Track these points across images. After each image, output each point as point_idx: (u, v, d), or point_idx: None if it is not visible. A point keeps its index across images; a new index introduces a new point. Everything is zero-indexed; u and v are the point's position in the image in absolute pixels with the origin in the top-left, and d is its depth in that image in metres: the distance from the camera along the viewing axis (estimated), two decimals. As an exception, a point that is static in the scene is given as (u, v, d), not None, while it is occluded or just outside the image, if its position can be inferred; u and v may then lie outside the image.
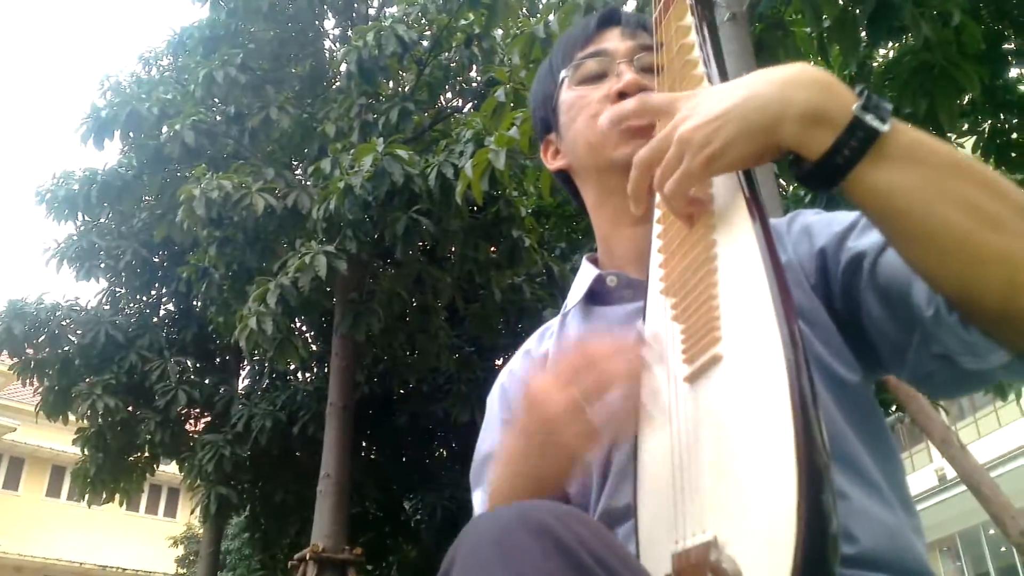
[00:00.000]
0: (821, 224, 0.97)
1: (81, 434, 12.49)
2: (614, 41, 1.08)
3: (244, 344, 7.89)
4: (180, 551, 23.26)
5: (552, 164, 1.18)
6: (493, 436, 1.13)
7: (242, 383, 13.24)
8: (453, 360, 10.12)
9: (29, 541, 27.37)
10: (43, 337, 12.46)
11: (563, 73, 1.11)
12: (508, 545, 0.62)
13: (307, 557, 8.25)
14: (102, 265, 12.92)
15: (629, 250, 1.06)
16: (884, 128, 0.69)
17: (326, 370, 10.79)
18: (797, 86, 0.71)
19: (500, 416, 1.15)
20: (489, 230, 8.45)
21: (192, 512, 16.20)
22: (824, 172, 0.72)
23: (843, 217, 0.95)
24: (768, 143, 0.73)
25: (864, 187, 0.71)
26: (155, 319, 13.54)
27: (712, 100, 0.75)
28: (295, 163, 11.28)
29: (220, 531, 13.63)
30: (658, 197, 0.90)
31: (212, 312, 10.67)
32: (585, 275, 1.12)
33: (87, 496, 13.25)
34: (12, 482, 28.90)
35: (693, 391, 0.75)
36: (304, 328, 11.26)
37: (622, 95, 1.01)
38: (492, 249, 8.69)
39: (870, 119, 0.69)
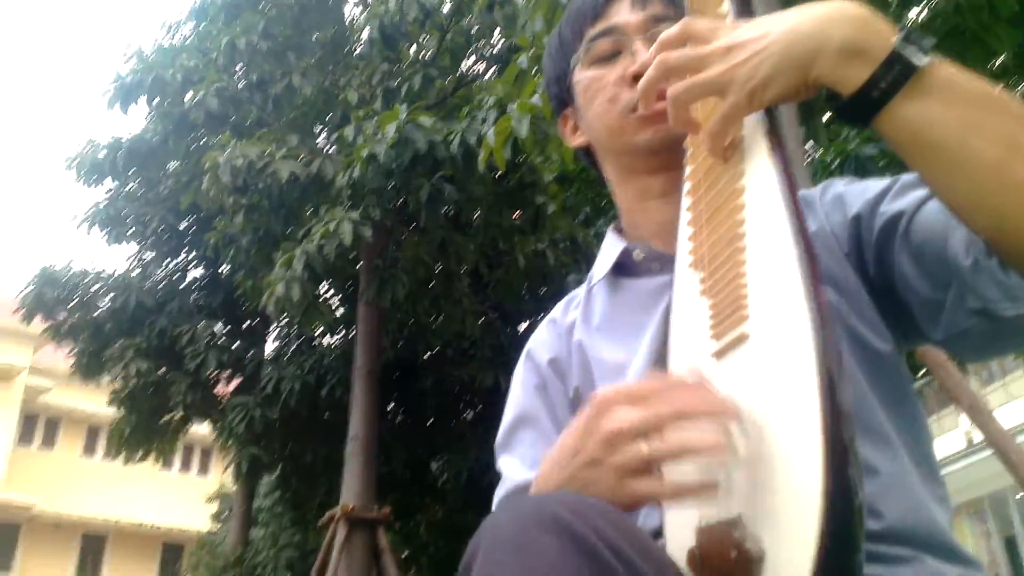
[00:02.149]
0: (854, 192, 0.96)
1: (115, 396, 12.78)
2: (624, 14, 1.05)
3: (271, 309, 7.99)
4: (214, 508, 23.76)
5: (572, 140, 1.17)
6: (522, 400, 1.13)
7: (270, 346, 13.42)
8: (477, 325, 10.19)
9: (66, 499, 28.12)
10: (74, 302, 12.70)
11: (575, 56, 1.09)
12: (525, 543, 0.62)
13: (337, 516, 8.43)
14: (130, 231, 13.11)
15: (655, 223, 1.05)
16: (923, 62, 0.69)
17: (352, 334, 10.93)
18: (836, 21, 0.71)
19: (529, 380, 1.14)
20: (512, 196, 8.45)
21: (224, 471, 16.54)
22: (860, 106, 0.72)
23: (876, 184, 0.94)
24: (806, 77, 0.73)
25: (899, 121, 0.71)
26: (183, 283, 13.72)
27: (751, 34, 0.75)
28: (318, 130, 11.30)
29: (252, 490, 13.95)
30: (687, 168, 0.90)
31: (240, 277, 10.79)
32: (611, 247, 1.11)
33: (122, 455, 13.62)
34: (48, 442, 29.64)
35: (720, 368, 0.75)
36: (330, 293, 11.37)
37: (638, 77, 0.96)
38: (516, 215, 8.70)
39: (909, 52, 0.69)
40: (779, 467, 0.64)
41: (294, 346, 12.41)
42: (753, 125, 0.79)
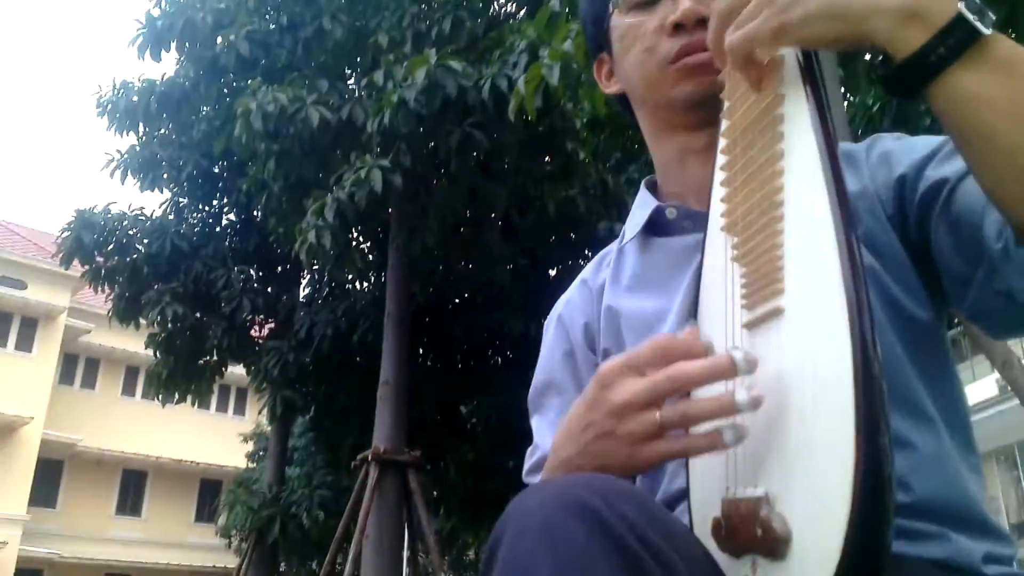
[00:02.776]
0: (901, 151, 0.92)
1: (152, 339, 13.05)
2: None
3: (304, 257, 8.07)
4: (250, 447, 24.34)
5: (607, 87, 1.12)
6: (550, 365, 1.12)
7: (303, 291, 13.59)
8: (507, 272, 10.20)
9: (107, 436, 28.96)
10: (112, 246, 12.89)
11: (610, 6, 1.04)
12: (552, 529, 0.62)
13: (369, 458, 8.61)
14: (164, 175, 13.22)
15: (690, 180, 1.01)
16: (986, 31, 0.65)
17: (383, 279, 11.01)
18: None
19: (558, 346, 1.13)
20: (543, 142, 8.37)
21: (260, 412, 16.91)
22: (912, 73, 0.68)
23: (924, 143, 0.90)
24: (853, 32, 0.69)
25: (951, 93, 0.67)
26: (218, 228, 13.86)
27: None
28: (348, 74, 11.23)
29: (287, 431, 14.26)
30: (723, 123, 0.85)
31: (272, 223, 10.88)
32: (643, 204, 1.08)
33: (160, 396, 13.95)
34: (89, 381, 30.42)
35: (751, 339, 0.74)
36: (361, 239, 11.42)
37: (678, 27, 0.94)
38: (546, 161, 8.63)
39: (973, 19, 0.65)
40: (809, 445, 0.63)
41: (326, 291, 12.54)
42: (795, 81, 0.75)
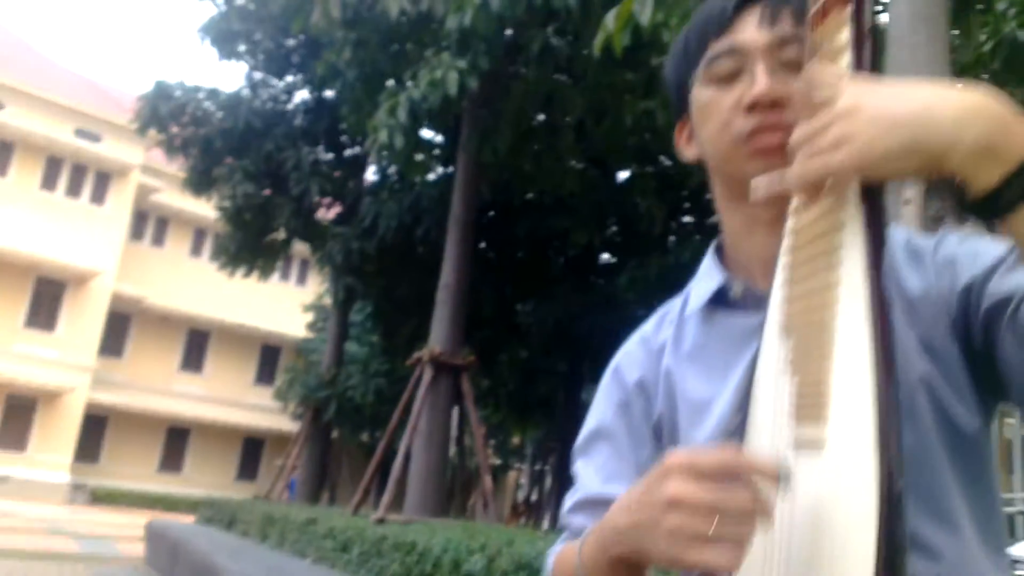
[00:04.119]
0: (967, 256, 0.93)
1: (223, 212, 13.35)
2: (751, 31, 0.98)
3: (374, 155, 8.03)
4: (310, 317, 25.10)
5: (686, 151, 1.11)
6: (604, 413, 1.15)
7: (370, 177, 13.65)
8: (576, 178, 10.03)
9: (174, 294, 30.11)
10: (187, 117, 13.03)
11: (696, 72, 1.03)
12: None
13: (424, 359, 8.78)
14: (242, 47, 13.19)
15: (756, 251, 1.02)
16: None
17: (451, 169, 10.96)
18: (976, 115, 0.68)
19: (613, 395, 1.15)
20: (626, 55, 8.04)
21: (322, 283, 17.29)
22: (987, 206, 0.70)
23: (990, 250, 0.91)
24: (930, 165, 0.71)
25: None
26: (290, 106, 13.90)
27: (885, 100, 0.71)
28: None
29: (347, 316, 14.62)
30: (790, 220, 0.87)
31: (345, 111, 10.83)
32: (709, 274, 1.09)
33: (228, 268, 14.38)
34: (158, 240, 31.41)
35: (795, 456, 0.76)
36: (432, 138, 11.31)
37: (753, 106, 0.94)
38: (627, 74, 8.33)
39: None
40: None
41: (393, 182, 12.56)
42: (856, 212, 0.77)
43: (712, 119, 1.00)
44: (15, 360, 26.03)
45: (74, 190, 28.35)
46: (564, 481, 15.11)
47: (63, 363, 26.97)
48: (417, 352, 9.23)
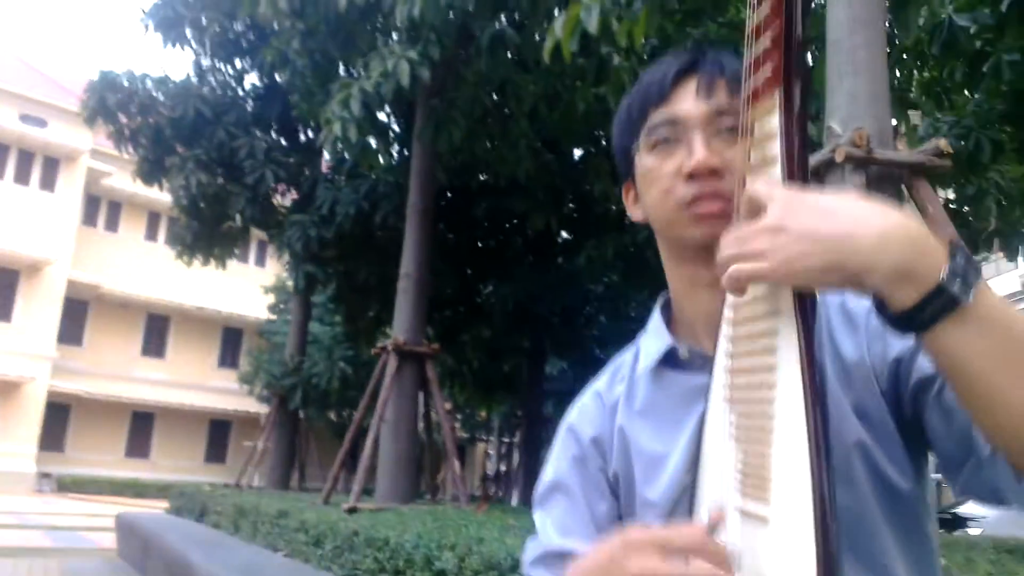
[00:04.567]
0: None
1: (178, 202, 13.17)
2: (688, 102, 1.04)
3: (328, 147, 8.01)
4: (271, 299, 24.92)
5: (633, 212, 1.18)
6: (560, 467, 1.20)
7: (326, 163, 13.53)
8: (532, 161, 10.05)
9: (131, 280, 29.67)
10: (134, 107, 12.80)
11: (636, 142, 1.09)
12: None
13: (388, 348, 8.86)
14: (188, 33, 12.92)
15: (700, 311, 1.08)
16: (966, 298, 0.71)
17: (406, 153, 10.91)
18: (893, 240, 0.72)
19: (569, 450, 1.20)
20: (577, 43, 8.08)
21: (282, 266, 17.15)
22: (904, 326, 0.75)
23: None
24: (849, 283, 0.75)
25: (938, 345, 0.74)
26: (240, 92, 13.69)
27: (809, 218, 0.76)
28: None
29: (309, 303, 14.55)
30: (729, 297, 0.92)
31: (296, 99, 10.73)
32: (658, 335, 1.14)
33: (184, 257, 14.25)
34: (112, 225, 30.83)
35: (742, 525, 0.81)
36: (386, 127, 11.23)
37: (692, 176, 1.00)
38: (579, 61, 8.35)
39: (955, 288, 0.71)
40: None
41: (348, 167, 12.48)
42: (788, 304, 0.81)
43: (655, 185, 1.05)
44: (-30, 352, 25.59)
45: (22, 177, 27.68)
46: (532, 455, 15.33)
47: (21, 352, 26.52)
48: (381, 342, 9.31)
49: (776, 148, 0.82)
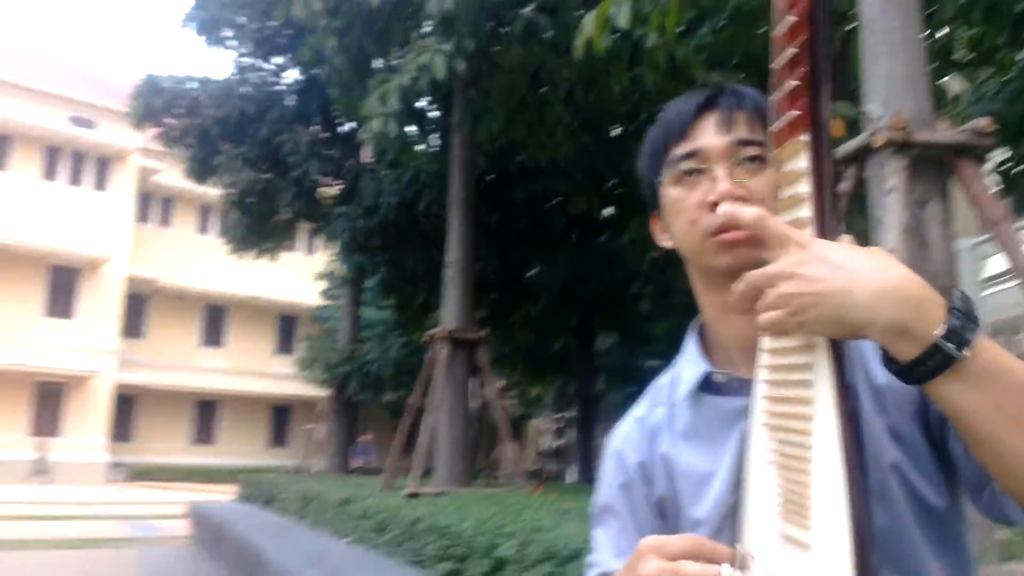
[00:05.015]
0: None
1: (227, 199, 13.54)
2: (710, 135, 1.07)
3: (371, 146, 8.16)
4: (323, 284, 25.26)
5: (661, 241, 1.20)
6: (608, 491, 1.25)
7: (368, 154, 13.70)
8: (570, 144, 10.06)
9: (187, 273, 30.41)
10: (180, 109, 13.12)
11: (660, 176, 1.13)
12: None
13: (438, 337, 9.03)
14: (227, 33, 13.18)
15: (733, 336, 1.10)
16: (961, 355, 0.74)
17: (446, 142, 10.98)
18: (891, 299, 0.76)
19: (616, 476, 1.25)
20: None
21: (331, 254, 17.45)
22: (903, 377, 0.79)
23: None
24: (853, 335, 0.80)
25: (938, 396, 0.78)
26: (280, 87, 13.91)
27: (817, 270, 0.80)
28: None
29: (359, 293, 14.84)
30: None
31: (335, 93, 10.87)
32: (694, 361, 1.17)
33: (238, 252, 14.65)
34: (165, 219, 31.57)
35: (782, 548, 0.86)
36: (424, 120, 11.30)
37: (716, 205, 1.02)
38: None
39: (950, 348, 0.74)
40: None
41: (390, 158, 12.63)
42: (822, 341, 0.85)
43: (680, 216, 1.08)
44: (39, 349, 26.51)
45: (75, 178, 28.46)
46: (586, 432, 15.47)
47: (86, 348, 27.44)
48: (431, 330, 9.47)
49: (803, 188, 0.85)
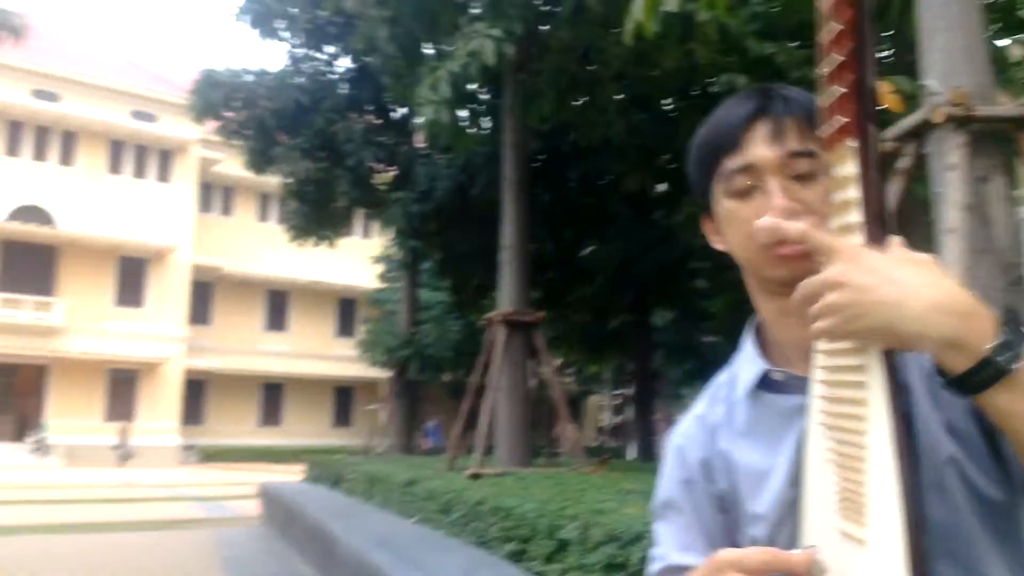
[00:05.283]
0: None
1: (287, 189, 13.83)
2: (761, 149, 1.06)
3: (424, 134, 8.24)
4: (380, 268, 25.62)
5: (714, 243, 1.21)
6: (670, 487, 1.27)
7: (421, 140, 13.83)
8: (622, 122, 10.00)
9: (249, 260, 31.10)
10: (237, 102, 13.39)
11: (711, 183, 1.13)
12: None
13: (496, 320, 9.14)
14: (280, 25, 13.37)
15: (790, 338, 1.12)
16: (1013, 367, 0.75)
17: (497, 124, 11.01)
18: (943, 312, 0.77)
19: (677, 472, 1.27)
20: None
21: (387, 238, 17.70)
22: (955, 388, 0.80)
23: None
24: (903, 346, 0.81)
25: (988, 405, 0.80)
26: (334, 77, 14.09)
27: (865, 279, 0.81)
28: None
29: (416, 277, 15.05)
30: None
31: (387, 81, 10.98)
32: (752, 360, 1.19)
33: (298, 240, 14.97)
34: (226, 208, 32.29)
35: (841, 544, 0.89)
36: (476, 105, 11.33)
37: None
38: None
39: (1002, 360, 0.75)
40: None
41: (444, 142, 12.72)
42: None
43: (735, 228, 1.09)
44: (111, 337, 27.48)
45: (139, 171, 29.24)
46: (645, 408, 15.49)
47: (156, 335, 28.33)
48: (488, 313, 9.58)
49: (853, 193, 0.87)
